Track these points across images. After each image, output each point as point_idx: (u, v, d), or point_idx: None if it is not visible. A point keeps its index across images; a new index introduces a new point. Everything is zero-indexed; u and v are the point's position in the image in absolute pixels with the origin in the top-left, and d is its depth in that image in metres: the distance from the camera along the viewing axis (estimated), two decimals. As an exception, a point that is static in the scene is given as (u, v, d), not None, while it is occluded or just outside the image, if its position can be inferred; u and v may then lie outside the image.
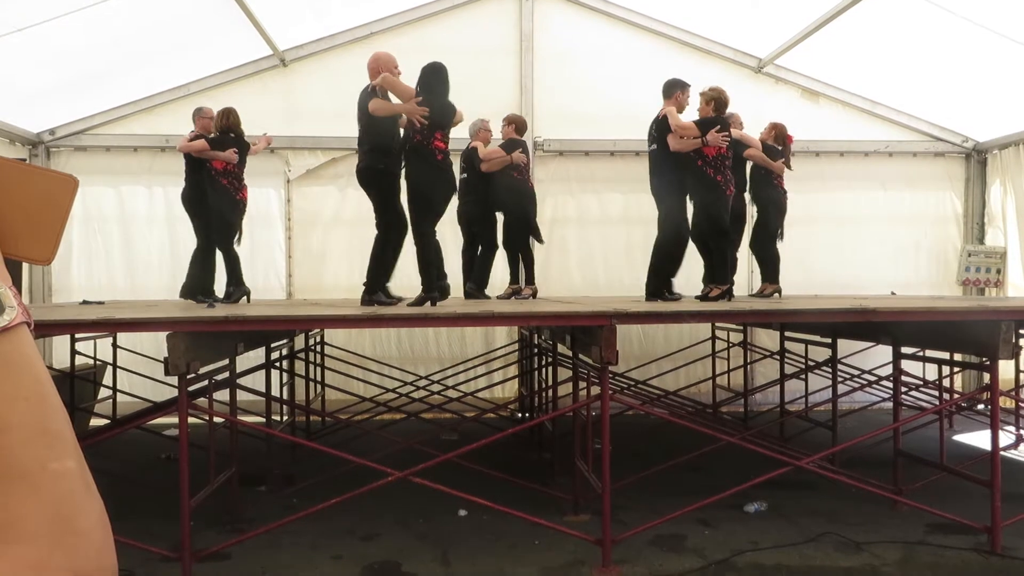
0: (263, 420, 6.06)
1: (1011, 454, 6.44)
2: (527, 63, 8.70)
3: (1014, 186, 8.63)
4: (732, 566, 4.05)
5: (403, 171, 5.49)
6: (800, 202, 8.61)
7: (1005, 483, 4.34)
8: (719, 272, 6.23)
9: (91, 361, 7.28)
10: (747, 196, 7.19)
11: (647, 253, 8.76)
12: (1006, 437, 6.43)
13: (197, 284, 6.75)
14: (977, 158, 9.21)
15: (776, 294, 7.18)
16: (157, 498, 5.06)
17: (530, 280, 7.24)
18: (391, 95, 5.55)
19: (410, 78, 8.43)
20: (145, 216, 8.46)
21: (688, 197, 6.17)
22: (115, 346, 7.28)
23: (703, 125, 6.03)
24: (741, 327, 7.94)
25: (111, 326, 4.84)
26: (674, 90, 6.33)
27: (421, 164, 5.39)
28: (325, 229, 8.58)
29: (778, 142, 7.17)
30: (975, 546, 4.27)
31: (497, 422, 7.29)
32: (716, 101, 6.16)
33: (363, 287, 5.61)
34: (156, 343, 7.06)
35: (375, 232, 6.04)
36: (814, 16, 7.38)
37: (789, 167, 7.21)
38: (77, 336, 6.83)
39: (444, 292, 6.27)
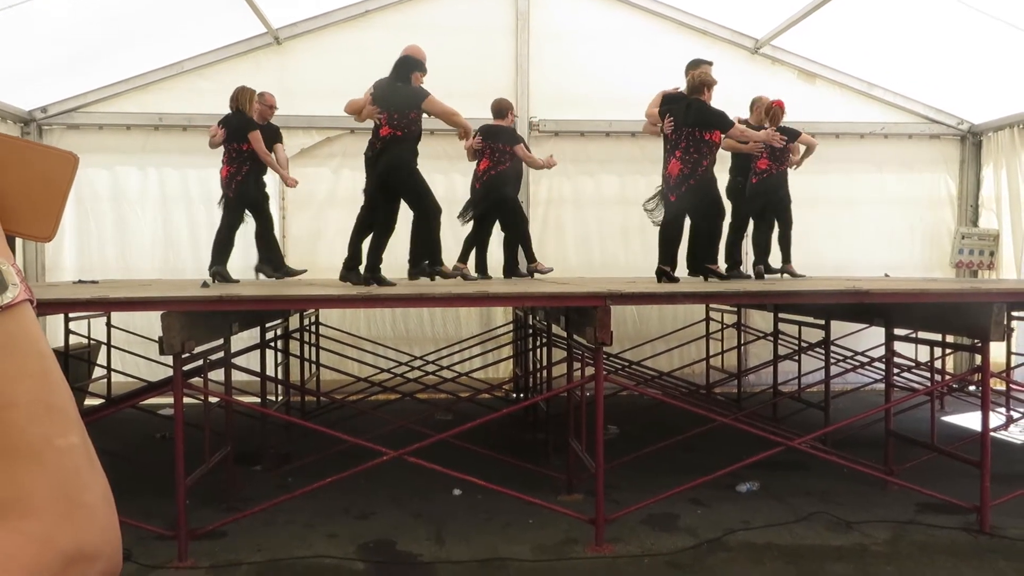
0: (258, 400, 6.07)
1: (1001, 435, 6.50)
2: (523, 42, 8.65)
3: (1008, 169, 8.64)
4: (724, 545, 4.09)
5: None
6: (795, 184, 8.61)
7: (994, 463, 4.38)
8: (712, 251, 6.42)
9: (85, 340, 7.27)
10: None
11: (643, 234, 8.81)
12: (996, 418, 6.49)
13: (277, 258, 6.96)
14: (972, 140, 9.21)
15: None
16: (153, 477, 5.08)
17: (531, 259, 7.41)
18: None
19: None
20: (138, 195, 8.42)
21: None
22: (109, 325, 7.27)
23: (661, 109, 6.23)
24: (735, 308, 7.96)
25: (105, 305, 4.84)
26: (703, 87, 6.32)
27: (388, 154, 5.59)
28: (320, 209, 8.55)
29: (767, 115, 7.17)
30: (964, 525, 4.32)
31: (491, 402, 7.32)
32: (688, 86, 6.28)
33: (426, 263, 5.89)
34: (150, 322, 7.04)
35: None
36: (811, -3, 7.35)
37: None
38: (71, 315, 6.81)
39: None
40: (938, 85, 8.63)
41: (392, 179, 5.60)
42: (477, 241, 7.33)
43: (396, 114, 5.53)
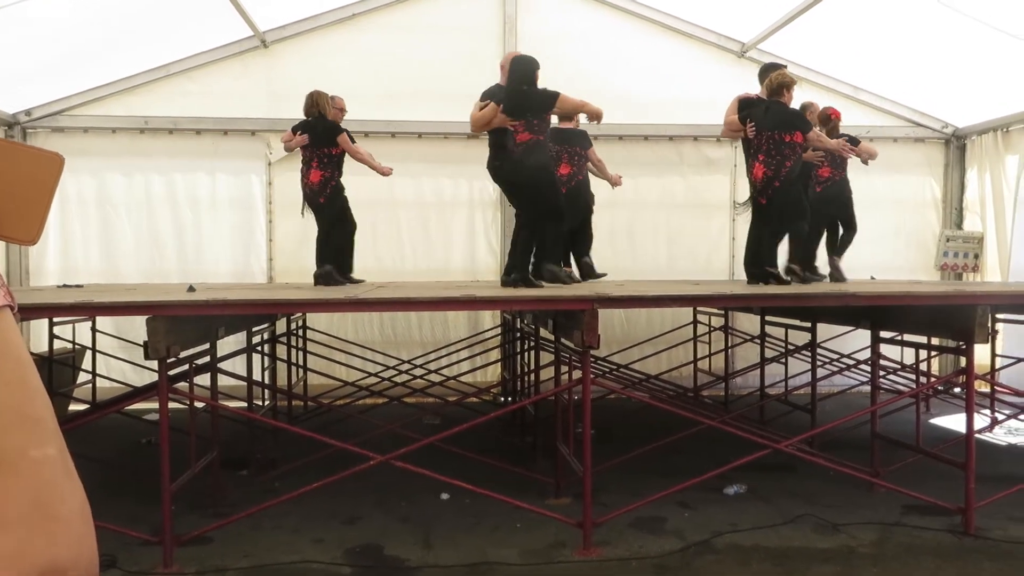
0: (245, 404, 6.04)
1: (985, 437, 6.54)
2: (510, 45, 8.63)
3: (992, 172, 8.71)
4: (711, 547, 4.10)
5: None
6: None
7: (979, 465, 4.41)
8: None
9: (70, 345, 7.22)
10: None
11: (630, 237, 8.85)
12: (981, 420, 6.53)
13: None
14: (956, 144, 9.28)
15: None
16: (138, 483, 5.05)
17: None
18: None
19: (394, 59, 8.43)
20: (124, 199, 8.37)
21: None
22: (94, 330, 7.22)
23: (741, 115, 6.21)
24: (722, 311, 7.98)
25: (90, 310, 4.81)
26: (768, 74, 6.39)
27: (533, 155, 5.60)
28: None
29: (824, 125, 7.21)
30: (949, 527, 4.34)
31: (479, 406, 7.31)
32: (766, 88, 6.24)
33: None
34: (136, 327, 7.01)
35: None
36: (797, 1, 7.38)
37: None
38: (55, 320, 6.76)
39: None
40: (923, 89, 8.70)
41: (543, 181, 5.68)
42: (575, 244, 7.27)
43: (535, 120, 5.58)
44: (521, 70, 5.69)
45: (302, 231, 8.51)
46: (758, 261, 6.26)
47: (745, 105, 6.32)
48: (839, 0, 7.05)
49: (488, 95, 5.72)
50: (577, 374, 4.39)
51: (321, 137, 6.41)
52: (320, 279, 6.39)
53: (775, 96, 6.14)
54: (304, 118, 6.45)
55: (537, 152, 5.60)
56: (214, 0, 7.05)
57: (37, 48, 7.11)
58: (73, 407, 7.17)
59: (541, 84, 5.87)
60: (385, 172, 6.79)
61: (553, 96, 5.66)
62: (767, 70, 6.51)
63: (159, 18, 7.32)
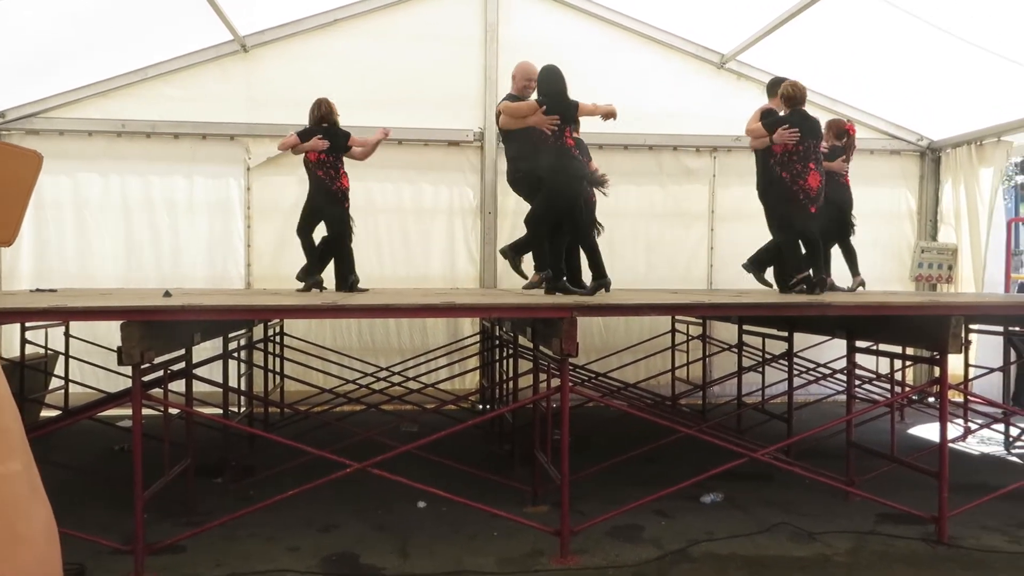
0: (220, 411, 5.98)
1: (959, 446, 6.62)
2: (491, 53, 8.67)
3: (966, 184, 8.83)
4: (688, 556, 4.10)
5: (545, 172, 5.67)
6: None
7: (952, 474, 4.46)
8: (790, 266, 6.35)
9: (42, 351, 7.12)
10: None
11: (609, 245, 8.83)
12: (954, 429, 6.61)
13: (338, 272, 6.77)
14: (931, 156, 9.40)
15: (860, 286, 7.44)
16: (110, 490, 4.99)
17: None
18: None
19: (375, 65, 8.42)
20: (99, 202, 8.28)
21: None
22: (67, 335, 7.13)
23: (769, 124, 6.16)
24: (700, 320, 8.02)
25: (63, 314, 4.74)
26: (777, 88, 6.46)
27: (565, 161, 5.64)
28: (286, 218, 8.45)
29: (839, 138, 7.28)
30: (923, 536, 4.38)
31: (458, 413, 7.29)
32: (785, 97, 6.25)
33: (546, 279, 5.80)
34: (110, 332, 6.93)
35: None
36: (775, 14, 7.47)
37: (847, 160, 7.36)
38: (28, 324, 6.66)
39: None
40: (899, 102, 8.81)
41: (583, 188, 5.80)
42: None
43: (568, 125, 5.66)
44: (561, 78, 5.77)
45: (280, 237, 8.48)
46: (817, 270, 6.28)
47: (768, 114, 6.36)
48: (817, 13, 7.13)
49: (541, 99, 5.80)
50: (556, 382, 4.38)
51: (342, 145, 6.54)
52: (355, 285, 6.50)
53: (801, 106, 6.21)
54: (305, 124, 6.54)
55: (574, 161, 5.69)
56: (193, 3, 7.01)
57: (11, 49, 7.03)
58: (45, 413, 7.06)
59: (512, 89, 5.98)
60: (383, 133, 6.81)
61: (576, 106, 5.74)
62: (776, 84, 6.55)
63: (137, 20, 7.26)
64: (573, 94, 7.74)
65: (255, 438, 5.88)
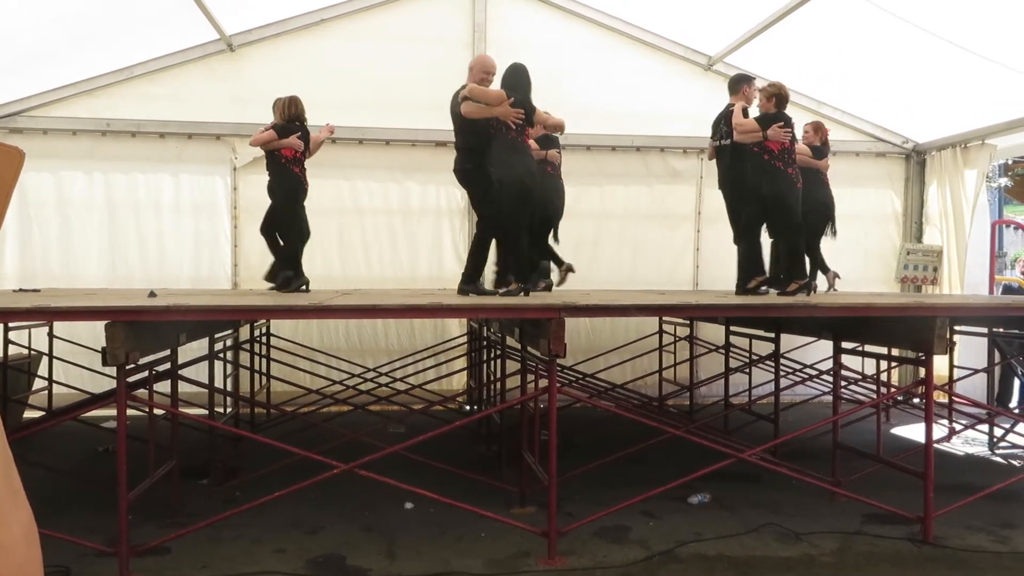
0: (206, 412, 5.95)
1: (944, 447, 6.66)
2: (479, 54, 8.64)
3: (951, 187, 8.89)
4: (676, 557, 4.11)
5: (497, 167, 5.61)
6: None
7: (938, 475, 4.48)
8: (797, 267, 6.32)
9: (26, 351, 7.05)
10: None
11: (594, 247, 8.88)
12: (939, 430, 6.64)
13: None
14: (916, 159, 9.47)
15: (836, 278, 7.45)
16: (94, 492, 4.95)
17: (545, 274, 7.17)
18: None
19: (363, 66, 8.39)
20: (84, 202, 8.22)
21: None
22: (51, 335, 7.07)
23: (764, 121, 6.15)
24: (687, 321, 8.04)
25: (47, 314, 4.71)
26: (740, 85, 6.46)
27: (521, 157, 5.59)
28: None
29: (821, 139, 7.33)
30: (909, 536, 4.40)
31: (445, 414, 7.27)
32: (777, 97, 6.24)
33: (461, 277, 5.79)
34: (94, 333, 6.87)
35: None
36: (763, 16, 7.49)
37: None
38: (11, 325, 6.60)
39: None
40: (884, 104, 8.86)
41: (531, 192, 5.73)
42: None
43: (530, 125, 5.71)
44: (528, 77, 5.75)
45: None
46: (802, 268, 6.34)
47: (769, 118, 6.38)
48: (804, 16, 7.16)
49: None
50: (543, 383, 4.38)
51: (308, 144, 6.49)
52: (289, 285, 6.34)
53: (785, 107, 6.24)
54: (278, 121, 6.44)
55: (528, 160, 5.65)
56: (180, 2, 6.97)
57: (-4, 47, 6.97)
58: (28, 414, 7.00)
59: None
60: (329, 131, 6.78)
61: (534, 110, 5.73)
62: (738, 81, 6.55)
63: (122, 19, 7.21)
64: (562, 95, 7.76)
65: (241, 439, 5.85)
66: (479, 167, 5.67)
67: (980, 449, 6.74)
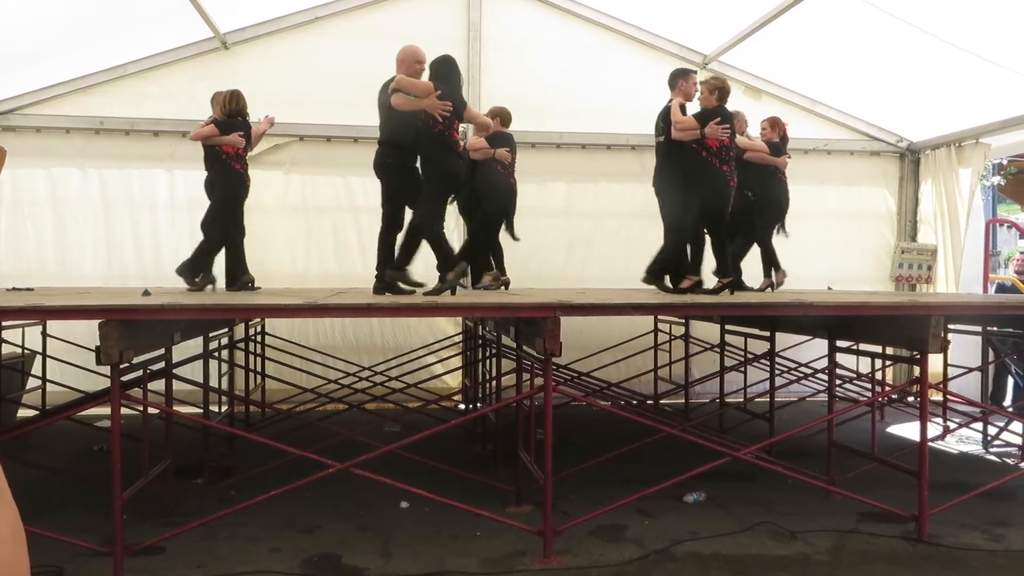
0: (200, 411, 5.93)
1: (938, 445, 6.68)
2: (475, 53, 8.65)
3: (945, 186, 8.91)
4: (671, 556, 4.11)
5: (422, 161, 5.56)
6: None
7: (932, 473, 4.50)
8: (723, 265, 6.29)
9: (19, 350, 7.02)
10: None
11: (588, 246, 8.88)
12: (934, 428, 6.66)
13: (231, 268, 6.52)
14: (911, 158, 9.49)
15: (769, 288, 7.34)
16: (88, 491, 4.93)
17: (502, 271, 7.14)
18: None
19: (357, 64, 8.37)
20: (78, 200, 8.19)
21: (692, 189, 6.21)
22: (45, 334, 7.04)
23: (702, 117, 6.09)
24: (683, 320, 8.04)
25: (41, 313, 4.67)
26: (677, 80, 6.38)
27: (447, 154, 5.48)
28: (267, 216, 8.40)
29: (780, 135, 7.29)
30: (903, 534, 4.41)
31: (440, 413, 7.27)
32: (719, 91, 6.17)
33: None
34: (89, 331, 6.85)
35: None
36: (758, 14, 7.50)
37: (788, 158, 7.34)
38: (4, 323, 6.57)
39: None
40: (879, 103, 8.88)
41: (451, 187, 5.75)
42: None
43: (457, 120, 5.58)
44: (457, 70, 5.64)
45: (263, 235, 8.42)
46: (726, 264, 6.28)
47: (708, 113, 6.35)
48: (799, 15, 7.17)
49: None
50: (539, 381, 4.38)
51: (249, 139, 6.40)
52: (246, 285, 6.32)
53: (726, 101, 6.20)
54: (222, 116, 6.36)
55: (454, 155, 5.54)
56: (174, 0, 6.94)
57: (-11, 45, 6.94)
58: (22, 413, 6.98)
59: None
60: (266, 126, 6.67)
61: (465, 105, 5.63)
62: (677, 76, 6.40)
63: (116, 17, 7.19)
64: (557, 94, 7.76)
65: (236, 438, 5.84)
66: (402, 163, 5.58)
67: (974, 447, 6.76)
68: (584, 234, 8.79)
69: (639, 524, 4.58)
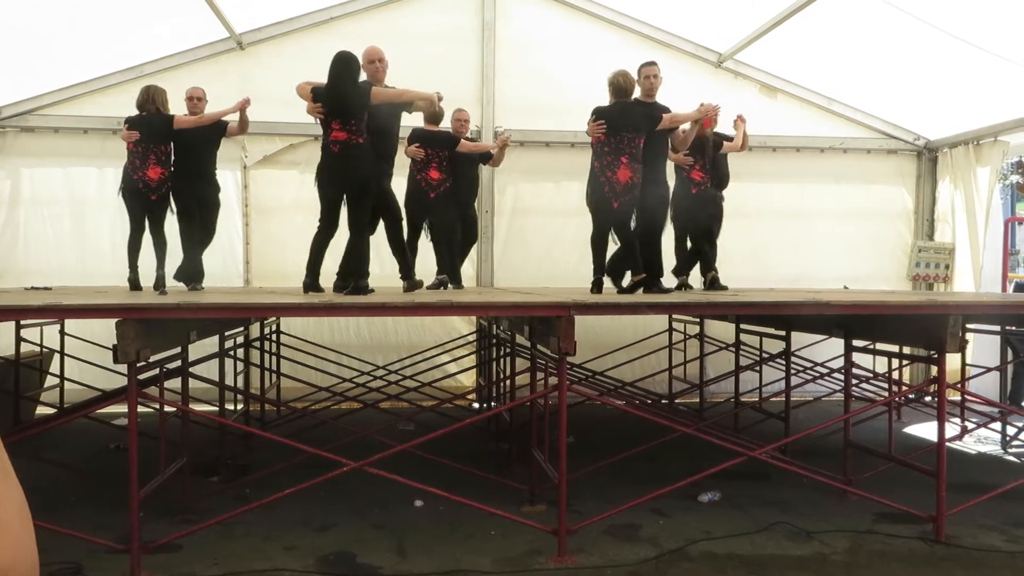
0: (216, 409, 5.96)
1: (956, 445, 6.62)
2: (488, 51, 8.66)
3: (963, 184, 8.83)
4: (686, 555, 4.09)
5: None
6: (756, 196, 8.70)
7: (950, 473, 4.45)
8: (632, 263, 6.07)
9: (37, 349, 7.09)
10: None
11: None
12: (952, 428, 6.60)
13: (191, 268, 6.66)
14: (928, 156, 9.41)
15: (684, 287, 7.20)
16: (106, 489, 4.97)
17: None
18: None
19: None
20: (96, 199, 8.25)
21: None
22: (63, 333, 7.10)
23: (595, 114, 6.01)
24: (698, 319, 8.02)
25: (58, 312, 4.72)
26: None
27: (323, 156, 5.63)
28: (284, 215, 8.45)
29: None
30: (921, 534, 4.37)
31: (455, 412, 7.28)
32: (612, 86, 6.06)
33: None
34: (106, 330, 6.89)
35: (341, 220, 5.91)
36: (773, 12, 7.45)
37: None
38: (23, 322, 6.64)
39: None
40: (896, 101, 8.81)
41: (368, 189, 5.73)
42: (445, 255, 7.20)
43: (353, 120, 5.59)
44: (340, 71, 5.65)
45: (279, 234, 8.45)
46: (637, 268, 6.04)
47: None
48: (815, 13, 7.12)
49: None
50: (553, 380, 4.37)
51: (159, 132, 6.40)
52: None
53: (625, 97, 6.07)
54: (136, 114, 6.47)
55: (358, 154, 5.52)
56: (190, 1, 6.98)
57: (6, 46, 6.99)
58: (40, 411, 7.04)
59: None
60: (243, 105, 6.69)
61: (367, 91, 5.61)
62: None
63: (133, 18, 7.24)
64: (570, 91, 7.71)
65: (251, 437, 5.87)
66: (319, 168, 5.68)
67: (993, 448, 6.70)
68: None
69: (654, 523, 4.57)
